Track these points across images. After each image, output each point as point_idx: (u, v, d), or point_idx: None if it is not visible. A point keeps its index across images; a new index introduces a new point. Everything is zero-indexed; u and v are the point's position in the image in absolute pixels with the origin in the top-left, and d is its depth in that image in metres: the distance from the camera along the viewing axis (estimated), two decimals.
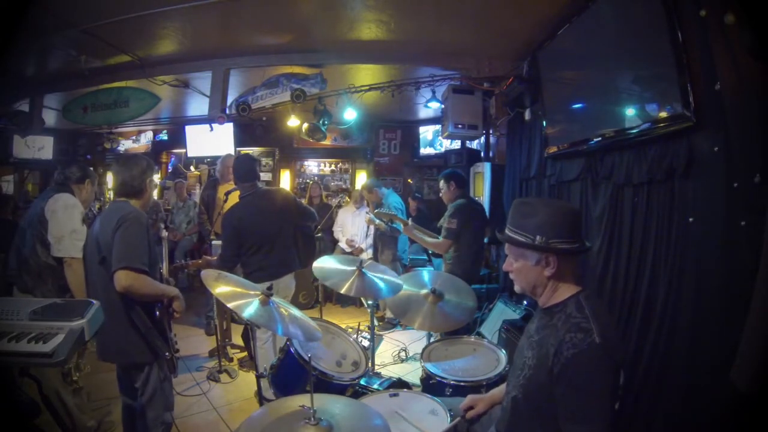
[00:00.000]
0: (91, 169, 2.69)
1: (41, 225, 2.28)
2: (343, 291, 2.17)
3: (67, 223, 2.29)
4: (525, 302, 3.16)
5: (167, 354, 1.90)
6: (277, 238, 2.79)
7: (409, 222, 3.38)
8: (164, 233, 3.07)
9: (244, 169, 2.87)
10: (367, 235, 4.92)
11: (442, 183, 3.36)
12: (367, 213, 4.62)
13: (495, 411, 1.56)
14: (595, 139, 2.48)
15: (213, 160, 6.06)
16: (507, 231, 1.33)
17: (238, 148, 5.87)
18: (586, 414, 1.11)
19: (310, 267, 3.04)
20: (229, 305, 1.67)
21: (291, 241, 2.90)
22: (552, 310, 1.27)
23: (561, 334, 1.17)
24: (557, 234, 1.23)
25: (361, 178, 7.40)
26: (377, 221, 4.00)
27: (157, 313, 1.90)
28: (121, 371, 2.04)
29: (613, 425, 1.11)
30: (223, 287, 1.76)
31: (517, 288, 1.37)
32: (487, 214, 4.05)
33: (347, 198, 5.50)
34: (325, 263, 2.35)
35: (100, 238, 1.83)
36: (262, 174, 6.88)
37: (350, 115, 4.49)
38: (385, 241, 4.59)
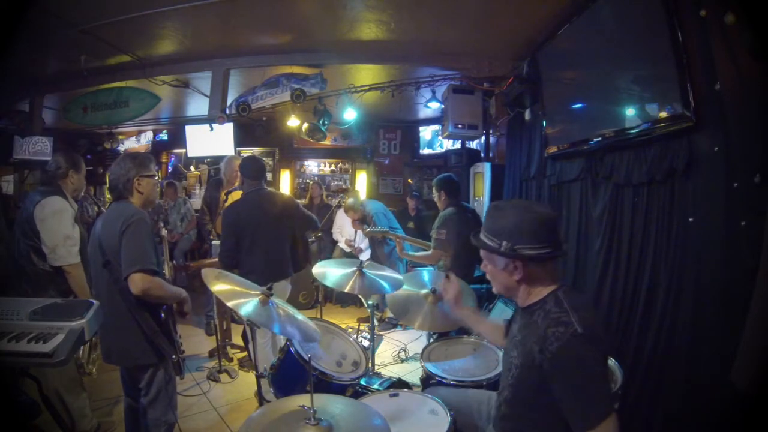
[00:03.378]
0: (76, 154, 2.55)
1: (33, 233, 2.23)
2: (347, 290, 2.20)
3: (58, 231, 2.24)
4: None
5: (174, 357, 1.89)
6: (274, 241, 2.78)
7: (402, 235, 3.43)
8: (164, 232, 3.08)
9: (255, 168, 2.89)
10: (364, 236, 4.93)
11: (434, 190, 3.37)
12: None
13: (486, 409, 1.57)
14: (595, 139, 2.48)
15: (213, 160, 6.05)
16: (481, 235, 1.35)
17: (238, 148, 5.87)
18: (587, 403, 1.10)
19: (304, 268, 3.06)
20: (229, 304, 1.67)
21: (288, 246, 2.89)
22: (531, 309, 1.28)
23: (542, 331, 1.17)
24: (523, 240, 1.22)
25: (362, 178, 7.40)
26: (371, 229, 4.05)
27: (162, 315, 1.89)
28: (125, 371, 2.04)
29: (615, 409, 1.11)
30: (223, 285, 1.75)
31: (494, 289, 1.39)
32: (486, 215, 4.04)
33: (346, 198, 5.53)
34: (324, 268, 2.36)
35: (103, 240, 1.82)
36: None
37: (350, 115, 4.49)
38: (377, 241, 4.62)
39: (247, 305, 1.66)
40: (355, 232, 4.90)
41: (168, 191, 5.89)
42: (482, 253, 1.36)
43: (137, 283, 1.71)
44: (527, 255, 1.23)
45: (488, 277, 1.37)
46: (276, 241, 2.80)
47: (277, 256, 2.80)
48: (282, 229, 2.85)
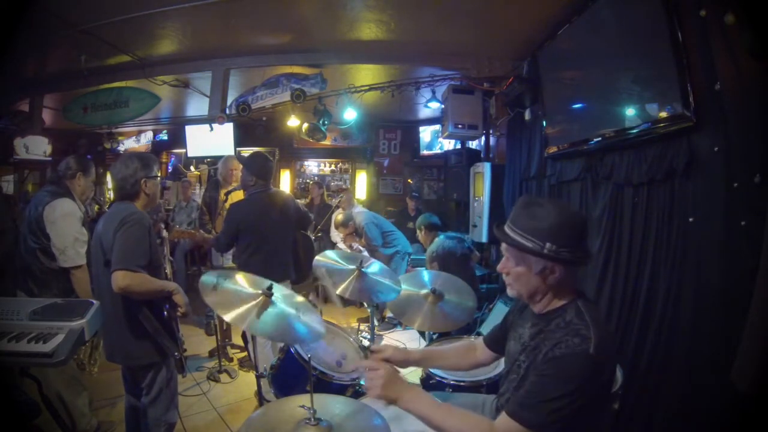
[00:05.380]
0: (88, 158, 2.59)
1: (41, 233, 2.25)
2: (339, 292, 2.12)
3: (68, 233, 2.26)
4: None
5: (177, 354, 1.89)
6: (279, 244, 2.77)
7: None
8: (165, 233, 3.08)
9: (265, 167, 2.83)
10: None
11: (417, 230, 3.86)
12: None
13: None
14: (595, 139, 2.48)
15: (213, 160, 6.05)
16: (509, 231, 1.22)
17: (238, 148, 5.86)
18: (539, 406, 1.05)
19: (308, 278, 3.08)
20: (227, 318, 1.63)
21: (290, 249, 2.88)
22: (549, 317, 1.22)
23: (558, 337, 1.13)
24: (567, 243, 1.14)
25: (362, 178, 7.41)
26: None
27: (165, 313, 1.89)
28: (126, 370, 2.04)
29: None
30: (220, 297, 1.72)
31: (512, 292, 1.28)
32: (487, 215, 4.07)
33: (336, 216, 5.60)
34: (326, 257, 2.33)
35: (104, 240, 1.82)
36: None
37: (350, 115, 4.50)
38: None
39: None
40: None
41: (183, 190, 5.86)
42: (510, 250, 1.23)
43: (118, 280, 1.71)
44: (569, 259, 1.15)
45: (510, 278, 1.25)
46: (280, 244, 2.78)
47: (280, 259, 2.78)
48: (286, 231, 2.84)
